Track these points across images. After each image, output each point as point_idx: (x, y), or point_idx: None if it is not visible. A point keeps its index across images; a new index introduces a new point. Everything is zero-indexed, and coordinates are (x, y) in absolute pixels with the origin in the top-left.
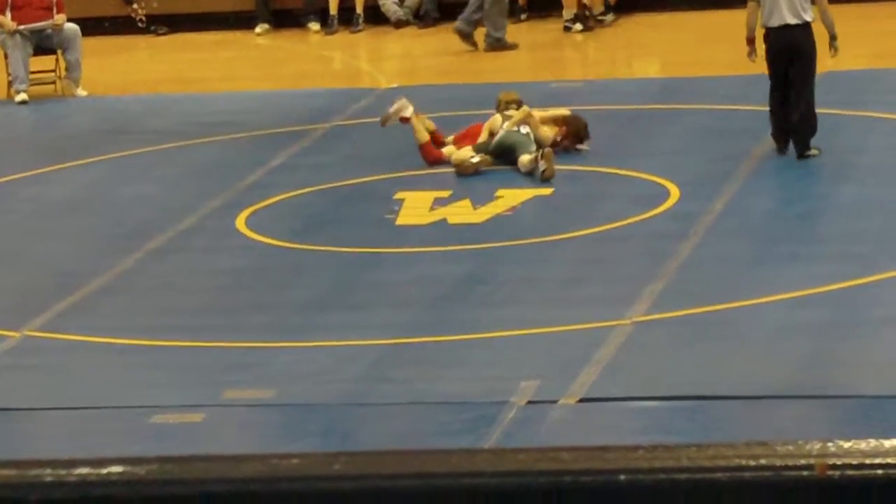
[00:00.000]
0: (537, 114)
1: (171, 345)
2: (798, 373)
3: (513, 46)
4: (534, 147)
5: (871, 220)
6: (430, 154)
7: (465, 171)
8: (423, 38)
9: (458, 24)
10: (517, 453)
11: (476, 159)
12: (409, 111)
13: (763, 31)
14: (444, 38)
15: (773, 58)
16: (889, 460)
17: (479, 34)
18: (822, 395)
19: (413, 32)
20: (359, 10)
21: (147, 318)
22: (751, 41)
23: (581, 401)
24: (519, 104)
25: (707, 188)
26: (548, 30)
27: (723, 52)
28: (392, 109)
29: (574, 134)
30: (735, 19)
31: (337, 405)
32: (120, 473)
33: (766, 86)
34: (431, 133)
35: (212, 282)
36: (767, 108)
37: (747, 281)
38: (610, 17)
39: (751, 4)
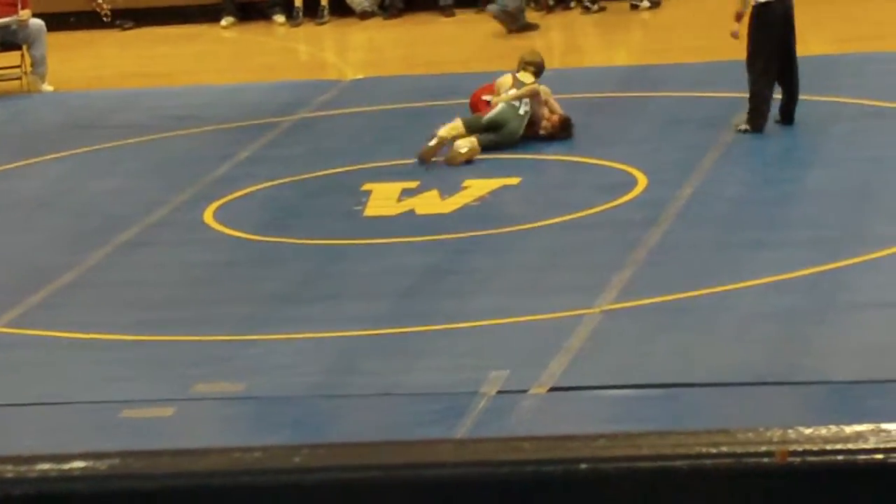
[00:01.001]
0: (544, 93)
1: (141, 339)
2: (767, 359)
3: (534, 27)
4: (520, 132)
5: (838, 205)
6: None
7: (454, 163)
8: (389, 29)
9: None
10: (479, 443)
11: (465, 149)
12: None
13: (749, 9)
14: (409, 29)
15: (773, 31)
16: (850, 446)
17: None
18: (791, 381)
19: (378, 24)
20: (324, 1)
21: (116, 313)
22: (741, 17)
23: (551, 390)
24: (538, 68)
25: (674, 175)
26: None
27: (688, 38)
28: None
29: (561, 130)
30: (699, 6)
31: (307, 397)
32: (82, 469)
33: (732, 72)
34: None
35: (180, 275)
36: (752, 89)
37: (716, 268)
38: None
39: None
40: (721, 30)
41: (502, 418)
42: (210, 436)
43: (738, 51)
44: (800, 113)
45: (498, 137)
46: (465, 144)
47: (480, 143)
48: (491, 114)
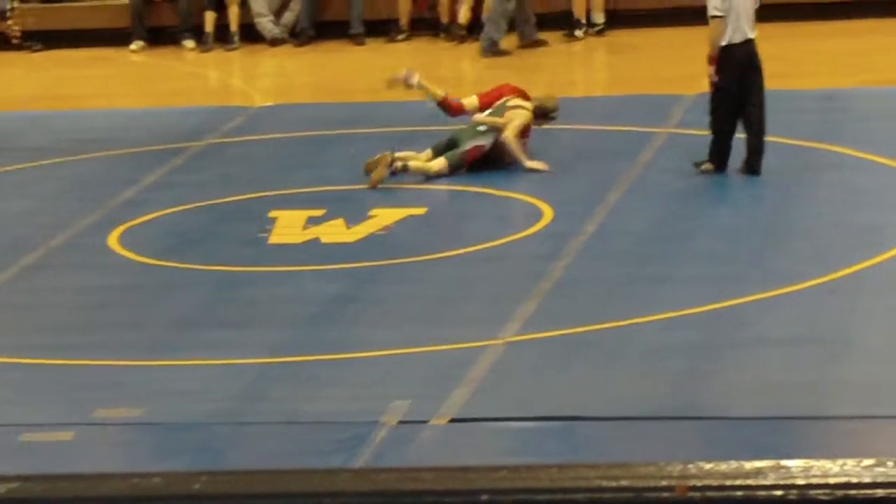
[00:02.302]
0: (514, 130)
1: (41, 363)
2: (669, 394)
3: (506, 53)
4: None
5: (742, 241)
6: (451, 107)
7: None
8: (299, 57)
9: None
10: (379, 473)
11: (436, 168)
12: (415, 77)
13: (714, 49)
14: (319, 57)
15: (735, 73)
16: (750, 482)
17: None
18: (692, 416)
19: (288, 51)
20: (234, 27)
21: (17, 336)
22: (714, 60)
23: (452, 421)
24: (536, 108)
25: (580, 209)
26: (435, 49)
27: (598, 71)
28: (401, 75)
29: (541, 116)
30: (615, 40)
31: (208, 424)
32: None
33: (641, 106)
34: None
35: (83, 299)
36: (712, 129)
37: (619, 302)
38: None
39: (719, 22)
40: (633, 64)
41: (403, 449)
42: (110, 461)
43: (649, 85)
44: (707, 148)
45: (450, 156)
46: (435, 164)
47: (448, 161)
48: (453, 134)
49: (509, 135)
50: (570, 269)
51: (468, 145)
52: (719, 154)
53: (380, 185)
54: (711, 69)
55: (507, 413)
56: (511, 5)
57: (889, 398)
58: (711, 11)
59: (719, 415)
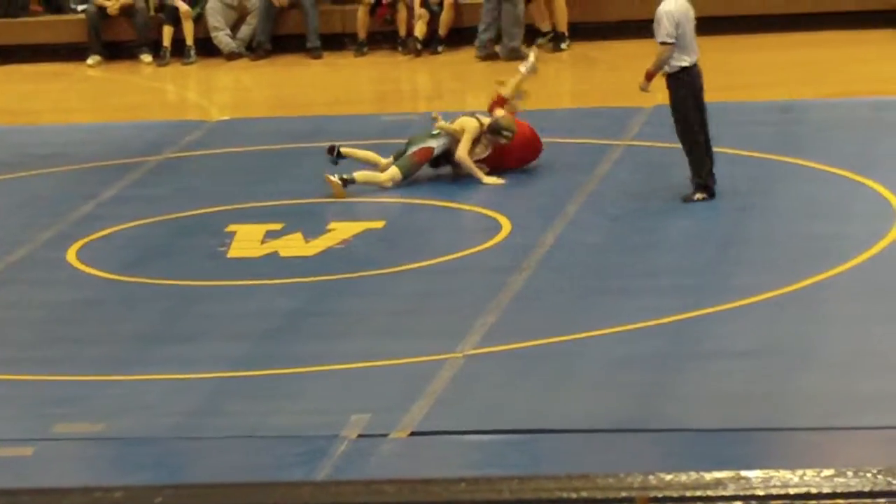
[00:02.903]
0: (464, 149)
1: (1, 378)
2: (629, 406)
3: (526, 56)
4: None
5: (701, 253)
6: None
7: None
8: (256, 71)
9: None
10: (340, 486)
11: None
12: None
13: (656, 70)
14: (275, 71)
15: (697, 94)
16: (710, 493)
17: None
18: (652, 428)
19: (245, 65)
20: (190, 41)
21: None
22: (651, 77)
23: (412, 434)
24: (495, 125)
25: (539, 221)
26: (392, 62)
27: (555, 84)
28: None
29: (494, 132)
30: (574, 53)
31: (169, 439)
32: None
33: (599, 119)
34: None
35: (42, 314)
36: (697, 152)
37: (579, 314)
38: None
39: (669, 47)
40: (591, 77)
41: (363, 462)
42: (70, 476)
43: (607, 98)
44: (668, 162)
45: (400, 163)
46: (386, 174)
47: (400, 169)
48: (410, 138)
49: (461, 154)
50: (529, 282)
51: (415, 148)
52: (706, 174)
53: (341, 199)
54: (646, 83)
55: (467, 426)
56: (518, 10)
57: (848, 409)
58: (663, 38)
59: (679, 426)
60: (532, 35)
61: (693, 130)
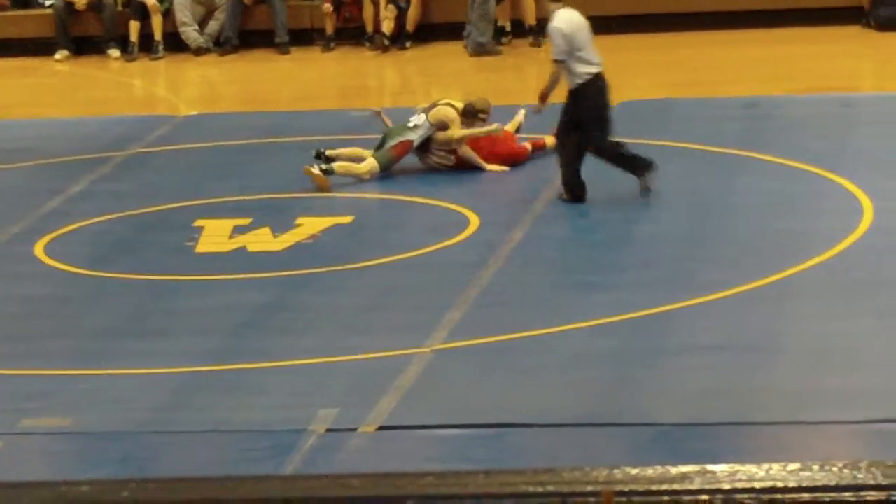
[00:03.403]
0: (461, 141)
1: None
2: (595, 401)
3: (497, 52)
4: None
5: (666, 248)
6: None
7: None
8: (224, 66)
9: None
10: (307, 480)
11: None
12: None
13: (548, 90)
14: (244, 66)
15: (601, 109)
16: (675, 487)
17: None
18: (618, 423)
19: (213, 60)
20: (158, 36)
21: None
22: (545, 98)
23: (380, 429)
24: (467, 108)
25: (506, 217)
26: (359, 58)
27: (507, 81)
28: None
29: (471, 115)
30: (536, 49)
31: (136, 433)
32: None
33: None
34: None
35: (9, 309)
36: (560, 158)
37: (546, 309)
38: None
39: (560, 67)
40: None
41: (331, 456)
42: (38, 470)
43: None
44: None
45: (378, 155)
46: (365, 166)
47: (378, 161)
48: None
49: (462, 148)
50: (497, 277)
51: (395, 141)
52: (578, 185)
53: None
54: (540, 104)
55: (435, 420)
56: (490, 6)
57: (814, 404)
58: (554, 56)
59: (646, 421)
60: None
61: (572, 145)
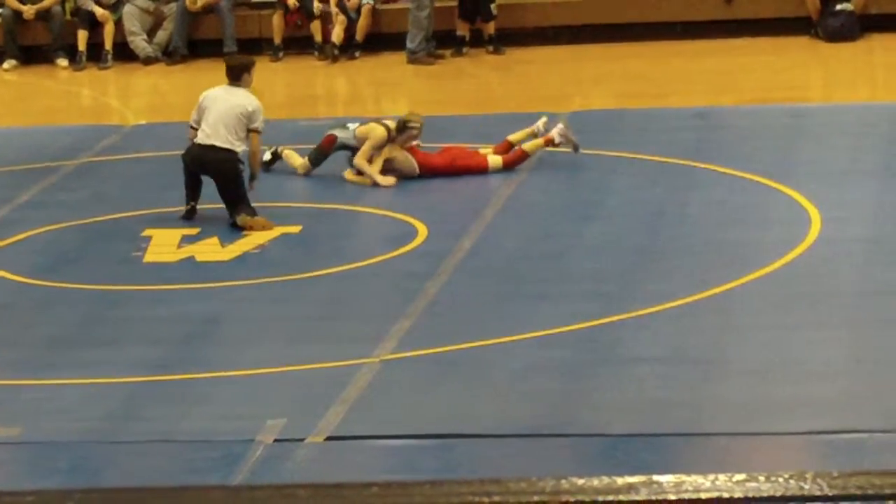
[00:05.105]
0: (362, 155)
1: None
2: (543, 412)
3: (428, 62)
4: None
5: (616, 259)
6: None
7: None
8: (172, 75)
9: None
10: (253, 490)
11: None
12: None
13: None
14: (192, 75)
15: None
16: (622, 497)
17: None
18: (566, 433)
19: (162, 69)
20: (107, 46)
21: None
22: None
23: (328, 439)
24: (399, 123)
25: (455, 227)
26: (308, 67)
27: (474, 90)
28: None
29: (401, 129)
30: (488, 58)
31: (84, 443)
32: None
33: (515, 125)
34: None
35: None
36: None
37: (495, 319)
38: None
39: (259, 138)
40: (507, 82)
41: (278, 466)
42: None
43: (523, 103)
44: (580, 167)
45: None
46: (297, 160)
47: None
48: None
49: (358, 159)
50: (445, 287)
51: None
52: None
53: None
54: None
55: (383, 431)
56: (423, 14)
57: (762, 415)
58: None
59: (594, 432)
60: (451, 41)
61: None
